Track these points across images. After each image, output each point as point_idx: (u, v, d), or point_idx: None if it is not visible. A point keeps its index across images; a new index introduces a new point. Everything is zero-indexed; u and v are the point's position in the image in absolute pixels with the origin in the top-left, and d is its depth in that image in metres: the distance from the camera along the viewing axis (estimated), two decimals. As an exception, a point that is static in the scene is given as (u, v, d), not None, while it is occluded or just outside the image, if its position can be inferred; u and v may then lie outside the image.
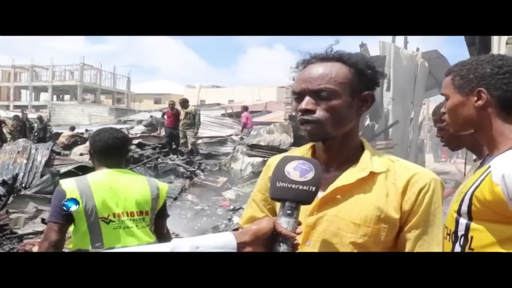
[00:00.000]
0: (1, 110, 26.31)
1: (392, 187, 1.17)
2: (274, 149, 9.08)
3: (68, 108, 30.37)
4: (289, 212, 1.03)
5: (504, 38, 4.53)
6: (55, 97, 40.17)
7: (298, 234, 1.03)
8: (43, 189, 6.80)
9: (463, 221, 1.28)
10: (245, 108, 15.08)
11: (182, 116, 11.57)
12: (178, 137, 11.83)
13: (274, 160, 1.31)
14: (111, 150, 2.25)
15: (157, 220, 2.33)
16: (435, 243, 1.18)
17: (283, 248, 1.00)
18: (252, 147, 9.98)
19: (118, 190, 2.19)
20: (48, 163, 7.91)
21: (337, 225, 1.16)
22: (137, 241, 2.14)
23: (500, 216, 1.20)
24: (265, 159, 8.04)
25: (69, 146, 13.18)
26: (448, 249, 1.29)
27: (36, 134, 16.98)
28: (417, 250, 1.16)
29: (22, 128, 16.61)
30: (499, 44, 4.93)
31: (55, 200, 2.14)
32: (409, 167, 1.21)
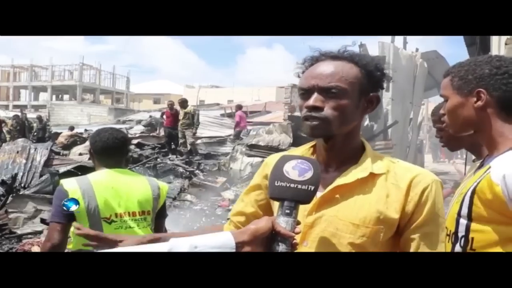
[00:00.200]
0: (1, 110, 26.32)
1: (393, 188, 1.17)
2: (273, 149, 9.07)
3: (67, 108, 30.37)
4: (287, 211, 1.03)
5: (504, 39, 4.52)
6: (54, 97, 40.08)
7: (297, 233, 1.03)
8: (42, 189, 6.80)
9: (463, 222, 1.28)
10: (239, 107, 14.83)
11: (181, 116, 11.58)
12: (177, 137, 11.84)
13: (271, 159, 1.30)
14: (111, 150, 2.25)
15: (157, 220, 2.33)
16: (439, 242, 1.18)
17: (281, 247, 1.00)
18: (251, 147, 9.99)
19: (120, 190, 2.19)
20: (47, 163, 7.93)
21: (336, 226, 1.16)
22: None
23: (501, 217, 1.20)
24: (264, 159, 8.00)
25: (68, 146, 13.20)
26: (447, 249, 1.29)
27: (35, 134, 16.99)
28: (422, 249, 1.15)
29: (21, 128, 16.60)
30: (499, 44, 4.93)
31: (57, 200, 2.12)
32: (410, 168, 1.21)
